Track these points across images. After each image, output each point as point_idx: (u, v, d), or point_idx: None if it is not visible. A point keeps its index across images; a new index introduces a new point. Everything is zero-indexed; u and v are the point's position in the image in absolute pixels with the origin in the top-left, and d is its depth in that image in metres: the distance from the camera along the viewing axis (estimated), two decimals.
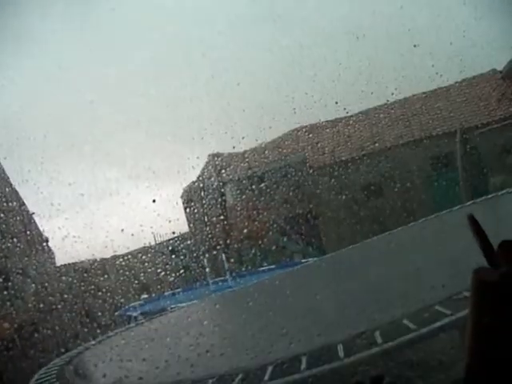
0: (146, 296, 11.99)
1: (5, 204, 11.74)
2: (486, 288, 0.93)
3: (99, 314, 10.95)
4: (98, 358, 7.78)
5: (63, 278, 12.03)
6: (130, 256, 12.41)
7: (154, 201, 9.17)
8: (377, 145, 13.48)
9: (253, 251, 12.30)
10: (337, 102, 11.56)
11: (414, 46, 10.07)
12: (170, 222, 10.58)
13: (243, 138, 11.51)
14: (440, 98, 14.14)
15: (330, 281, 8.65)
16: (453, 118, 13.30)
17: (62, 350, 8.64)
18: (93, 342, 8.85)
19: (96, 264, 12.48)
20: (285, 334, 6.34)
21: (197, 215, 12.89)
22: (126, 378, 6.20)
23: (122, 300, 11.25)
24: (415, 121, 14.01)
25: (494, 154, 11.93)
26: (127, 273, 11.73)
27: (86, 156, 12.20)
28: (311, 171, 13.58)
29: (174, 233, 12.34)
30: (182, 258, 11.98)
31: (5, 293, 10.46)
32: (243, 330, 7.41)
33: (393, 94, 12.65)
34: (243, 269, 12.24)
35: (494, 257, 1.02)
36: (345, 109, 12.63)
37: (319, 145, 14.27)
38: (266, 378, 5.53)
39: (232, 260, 11.99)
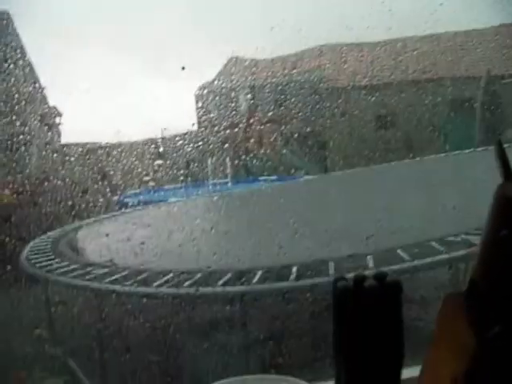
0: (146, 186, 12.05)
1: (20, 78, 11.62)
2: (508, 203, 0.96)
3: (97, 196, 11.05)
4: (91, 236, 7.91)
5: (66, 156, 12.09)
6: (135, 145, 12.41)
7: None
8: (399, 76, 13.28)
9: (258, 159, 12.31)
10: (368, 27, 11.38)
11: None
12: (180, 118, 10.54)
13: (265, 46, 11.40)
14: (471, 40, 13.86)
15: (332, 198, 8.71)
16: (480, 63, 13.08)
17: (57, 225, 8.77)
18: (88, 221, 8.98)
19: (100, 148, 12.49)
20: (280, 242, 6.45)
21: (208, 115, 12.83)
22: (112, 260, 6.33)
23: (122, 187, 11.34)
24: (441, 59, 13.76)
25: None
26: (130, 160, 11.77)
27: (104, 42, 12.00)
28: (328, 90, 13.45)
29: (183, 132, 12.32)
30: (186, 154, 11.98)
31: (8, 162, 10.53)
32: (239, 232, 7.51)
33: (423, 29, 12.47)
34: (245, 175, 12.30)
35: (509, 174, 1.06)
36: (370, 35, 12.47)
37: (341, 66, 14.07)
38: (255, 281, 5.67)
39: (236, 164, 12.02)
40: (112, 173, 11.53)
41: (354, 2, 11.71)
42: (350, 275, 1.10)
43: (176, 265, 6.21)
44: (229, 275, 6.02)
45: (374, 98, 12.59)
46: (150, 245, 6.66)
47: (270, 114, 12.37)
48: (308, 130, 13.00)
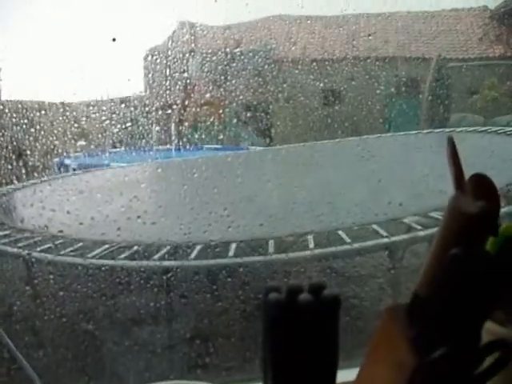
0: (86, 148, 11.76)
1: None
2: (462, 218, 0.90)
3: (36, 156, 10.75)
4: (25, 200, 7.64)
5: (4, 114, 11.70)
6: (79, 105, 12.11)
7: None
8: (349, 52, 13.27)
9: (203, 126, 12.19)
10: (316, 3, 11.33)
11: None
12: (128, 80, 10.31)
13: (219, 13, 11.24)
14: (424, 21, 13.97)
15: (279, 172, 8.65)
16: (430, 45, 13.20)
17: None
18: (22, 184, 8.68)
19: (42, 106, 12.14)
20: (225, 215, 6.38)
21: (156, 79, 12.60)
22: (46, 228, 6.14)
23: (61, 149, 11.04)
24: (393, 38, 13.82)
25: (460, 92, 11.98)
26: (72, 121, 11.48)
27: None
28: (278, 62, 13.37)
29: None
30: (132, 118, 11.76)
31: None
32: (182, 201, 7.34)
33: (377, 7, 12.50)
34: (190, 142, 12.16)
35: (463, 185, 0.99)
36: (322, 9, 12.44)
37: (291, 38, 14.02)
38: (192, 256, 5.59)
39: (181, 130, 11.88)
40: (53, 133, 11.23)
41: None
42: (283, 284, 1.00)
43: (112, 236, 6.06)
44: (166, 249, 5.92)
45: (323, 73, 12.55)
46: (86, 213, 6.49)
47: (218, 82, 12.22)
48: (255, 101, 12.92)
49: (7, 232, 6.47)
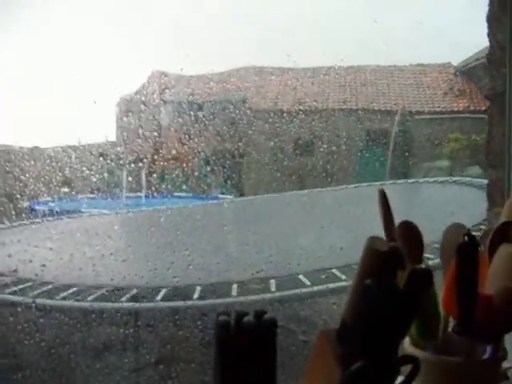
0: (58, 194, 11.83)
1: None
2: (375, 255, 1.06)
3: (7, 201, 10.75)
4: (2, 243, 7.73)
5: None
6: (50, 151, 12.19)
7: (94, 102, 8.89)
8: (318, 104, 13.58)
9: (174, 174, 12.31)
10: (289, 55, 11.67)
11: (375, 21, 10.13)
12: (100, 126, 10.48)
13: (192, 63, 11.50)
14: (391, 75, 14.41)
15: (243, 221, 8.85)
16: (397, 98, 13.58)
17: None
18: None
19: (14, 151, 12.20)
20: (188, 256, 6.51)
21: (129, 126, 12.76)
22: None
23: (33, 193, 11.09)
24: (361, 90, 14.18)
25: (424, 143, 12.29)
26: (43, 167, 11.54)
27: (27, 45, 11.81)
28: (249, 112, 13.60)
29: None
30: (102, 165, 11.85)
31: None
32: (150, 242, 7.55)
33: (342, 59, 12.88)
34: (161, 189, 12.27)
35: (392, 232, 1.17)
36: (295, 61, 12.75)
37: (263, 89, 14.30)
38: (158, 298, 5.69)
39: (152, 178, 11.99)
40: (23, 178, 11.27)
41: (283, 27, 11.96)
42: (232, 310, 1.16)
43: (79, 280, 6.14)
44: (133, 291, 6.01)
45: (293, 124, 12.80)
46: (55, 259, 6.57)
47: (191, 130, 12.40)
48: (227, 150, 13.10)
49: None
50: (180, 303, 5.68)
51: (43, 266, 6.28)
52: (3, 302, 5.76)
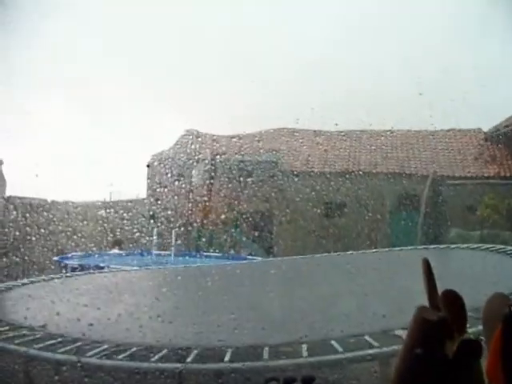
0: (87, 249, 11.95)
1: None
2: (424, 324, 1.06)
3: (36, 254, 10.85)
4: (31, 297, 7.77)
5: (9, 208, 11.91)
6: (83, 206, 12.36)
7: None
8: (351, 166, 13.64)
9: (204, 234, 12.36)
10: (322, 116, 11.78)
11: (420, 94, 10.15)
12: (131, 184, 10.63)
13: (223, 122, 11.65)
14: (423, 139, 14.46)
15: (280, 283, 8.86)
16: (429, 162, 13.57)
17: None
18: (23, 281, 8.85)
19: (46, 205, 12.37)
20: (233, 319, 6.52)
21: (159, 184, 12.88)
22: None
23: (62, 248, 11.19)
24: (393, 154, 14.23)
25: (457, 209, 12.20)
26: (74, 221, 11.66)
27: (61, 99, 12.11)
28: (281, 174, 13.69)
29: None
30: (132, 221, 11.95)
31: None
32: (194, 304, 7.63)
33: (371, 124, 12.96)
34: (190, 249, 12.32)
35: (435, 300, 1.17)
36: (326, 123, 12.87)
37: (296, 150, 14.40)
38: (189, 359, 5.64)
39: (182, 238, 12.05)
40: (54, 232, 11.38)
41: (317, 91, 12.09)
42: (281, 376, 1.16)
43: (110, 337, 6.11)
44: (164, 351, 5.96)
45: (325, 186, 12.84)
46: (86, 315, 6.56)
47: (223, 190, 12.50)
48: (258, 211, 13.14)
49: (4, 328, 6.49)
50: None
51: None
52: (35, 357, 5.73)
